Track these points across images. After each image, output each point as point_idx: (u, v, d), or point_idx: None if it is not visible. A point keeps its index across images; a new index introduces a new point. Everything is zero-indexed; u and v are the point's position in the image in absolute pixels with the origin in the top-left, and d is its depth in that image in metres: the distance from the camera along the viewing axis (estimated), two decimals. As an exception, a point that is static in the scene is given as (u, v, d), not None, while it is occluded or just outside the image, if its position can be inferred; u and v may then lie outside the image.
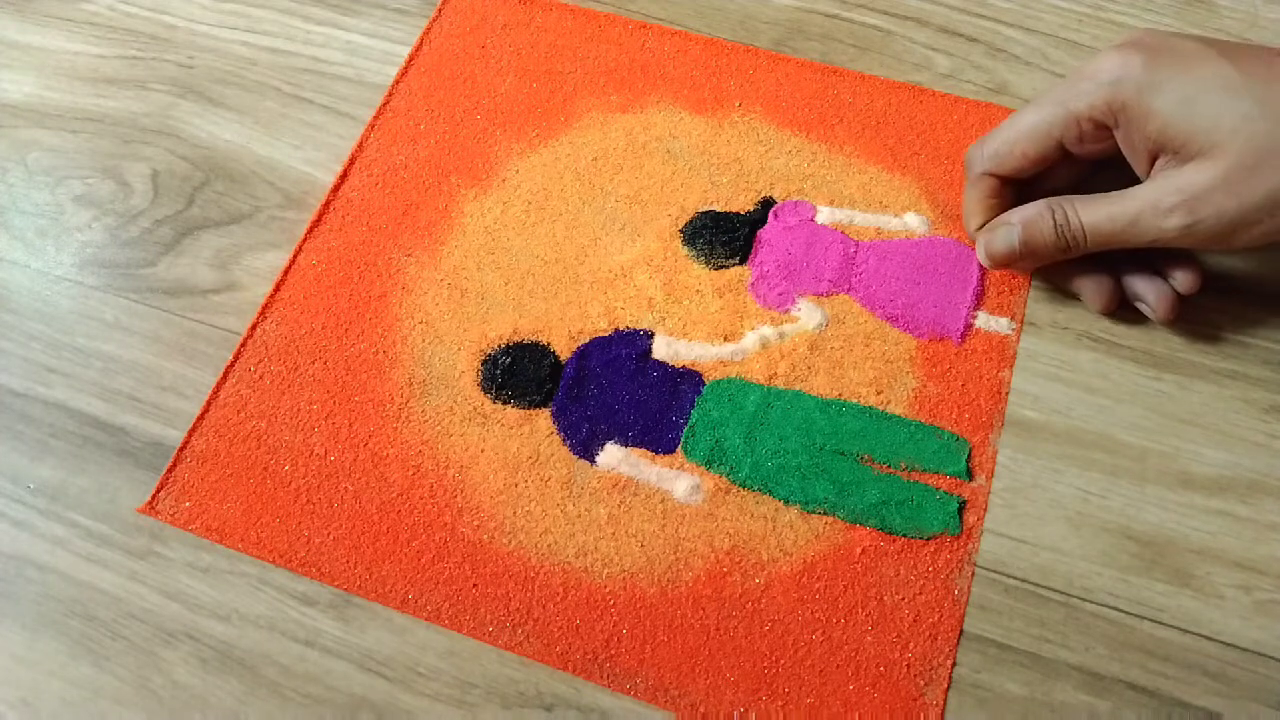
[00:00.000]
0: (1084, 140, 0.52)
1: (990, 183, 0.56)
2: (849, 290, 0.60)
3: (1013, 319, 0.59)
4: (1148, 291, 0.55)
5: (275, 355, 0.59)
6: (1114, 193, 0.51)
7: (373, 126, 0.67)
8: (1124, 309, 0.58)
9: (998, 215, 0.56)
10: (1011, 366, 0.57)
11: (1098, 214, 0.50)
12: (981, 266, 0.60)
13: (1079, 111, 0.51)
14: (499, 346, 0.59)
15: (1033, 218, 0.53)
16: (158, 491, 0.55)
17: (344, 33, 0.72)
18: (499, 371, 0.58)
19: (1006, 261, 0.55)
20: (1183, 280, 0.54)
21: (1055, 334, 0.59)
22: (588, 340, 0.59)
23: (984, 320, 0.59)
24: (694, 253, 0.62)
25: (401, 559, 0.53)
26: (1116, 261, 0.55)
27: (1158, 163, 0.50)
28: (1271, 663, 0.49)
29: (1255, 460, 0.55)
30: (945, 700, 0.49)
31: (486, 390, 0.58)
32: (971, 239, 0.58)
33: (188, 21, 0.73)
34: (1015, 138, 0.54)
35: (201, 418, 0.57)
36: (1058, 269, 0.57)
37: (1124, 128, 0.49)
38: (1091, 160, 0.54)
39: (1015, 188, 0.57)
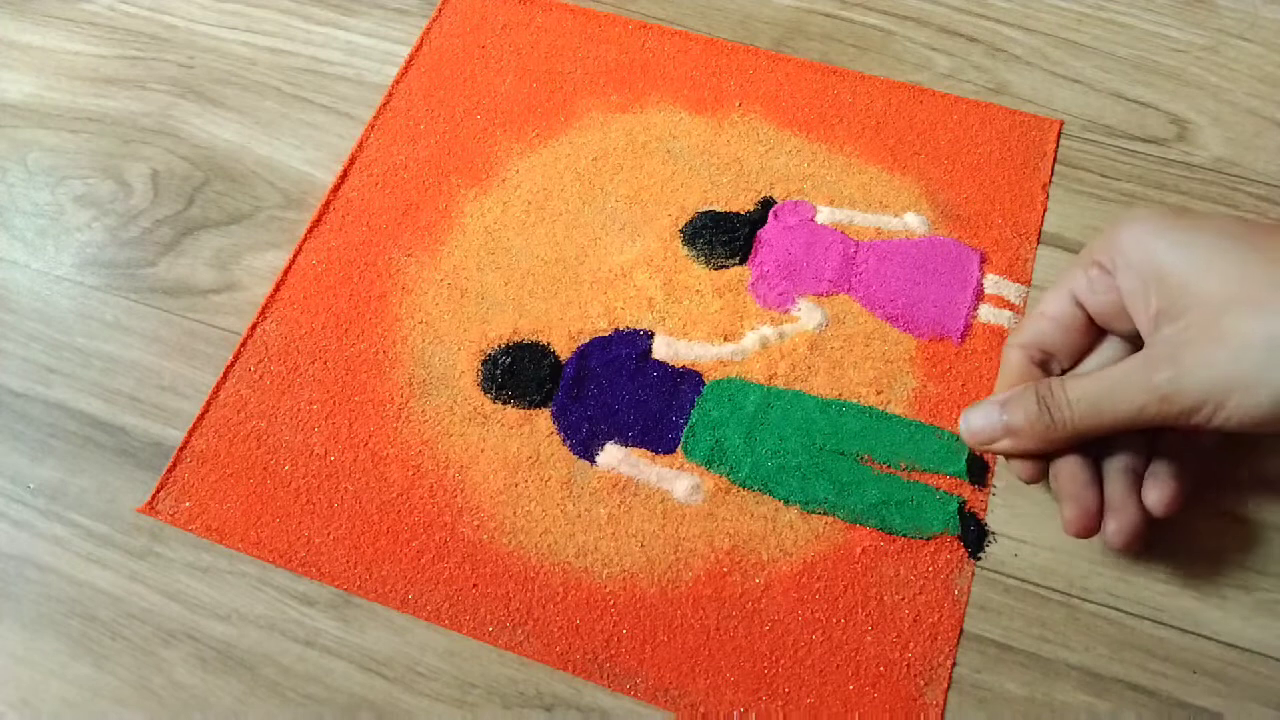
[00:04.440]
0: (1094, 290, 0.49)
1: (1016, 357, 0.50)
2: (849, 290, 0.60)
3: (1015, 313, 0.59)
4: (1118, 508, 0.48)
5: (275, 355, 0.59)
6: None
7: (373, 126, 0.67)
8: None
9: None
10: (1011, 366, 0.57)
11: (1083, 382, 0.47)
12: (982, 266, 0.60)
13: (1084, 258, 0.50)
14: (499, 346, 0.59)
15: (1017, 391, 0.49)
16: (158, 491, 0.55)
17: (344, 33, 0.72)
18: (499, 371, 0.58)
19: (988, 437, 0.49)
20: (1158, 497, 0.47)
21: (1055, 334, 0.59)
22: (588, 340, 0.59)
23: (985, 313, 0.59)
24: (694, 253, 0.62)
25: (401, 559, 0.53)
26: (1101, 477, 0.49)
27: (1159, 327, 0.46)
28: (1271, 663, 0.49)
29: (1255, 460, 0.55)
30: (945, 700, 0.49)
31: (486, 390, 0.58)
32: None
33: (188, 21, 0.73)
34: (1038, 301, 0.52)
35: (201, 418, 0.57)
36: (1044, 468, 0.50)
37: (1121, 270, 0.47)
38: (1123, 336, 0.50)
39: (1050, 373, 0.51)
